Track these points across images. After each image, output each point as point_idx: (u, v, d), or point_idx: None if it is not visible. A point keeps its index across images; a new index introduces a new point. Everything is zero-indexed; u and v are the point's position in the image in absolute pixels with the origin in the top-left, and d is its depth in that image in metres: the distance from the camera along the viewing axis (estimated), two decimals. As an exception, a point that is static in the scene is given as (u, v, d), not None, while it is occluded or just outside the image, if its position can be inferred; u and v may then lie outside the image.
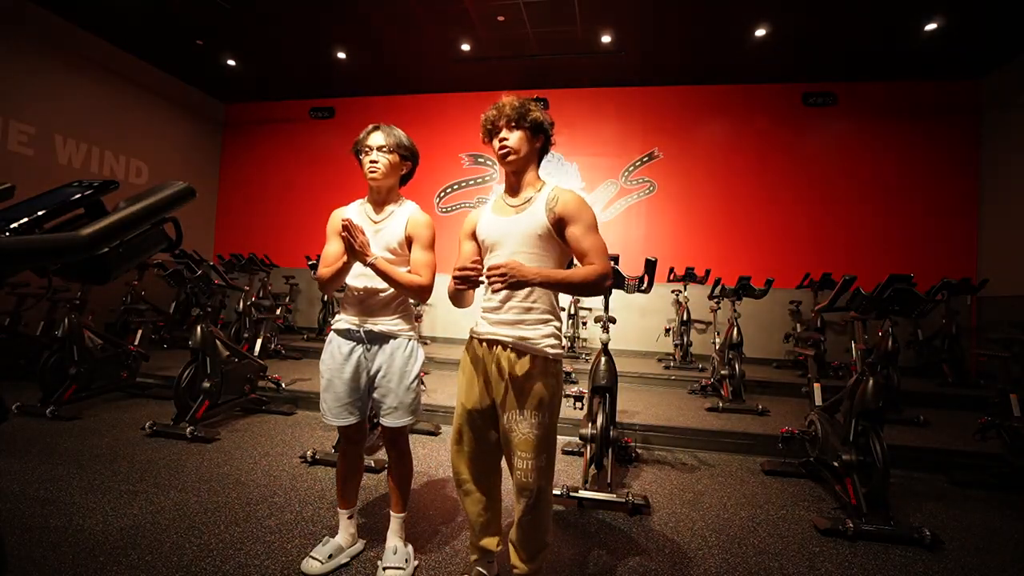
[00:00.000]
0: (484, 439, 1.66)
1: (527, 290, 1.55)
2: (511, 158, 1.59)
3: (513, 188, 1.65)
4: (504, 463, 1.68)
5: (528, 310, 1.57)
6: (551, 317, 1.59)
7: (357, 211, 1.88)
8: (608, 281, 1.50)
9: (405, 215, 1.83)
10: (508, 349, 1.56)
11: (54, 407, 3.51)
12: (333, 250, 1.82)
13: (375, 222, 1.83)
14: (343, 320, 1.85)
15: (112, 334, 4.75)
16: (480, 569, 1.74)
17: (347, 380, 1.82)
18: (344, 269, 1.76)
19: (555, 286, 1.49)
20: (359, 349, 1.82)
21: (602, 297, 2.90)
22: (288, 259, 7.37)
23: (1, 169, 5.07)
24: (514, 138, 1.57)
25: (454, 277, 1.49)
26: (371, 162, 1.77)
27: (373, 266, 1.69)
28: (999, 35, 5.21)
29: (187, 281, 3.75)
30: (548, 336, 1.56)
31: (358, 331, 1.81)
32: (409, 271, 1.81)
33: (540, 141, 1.63)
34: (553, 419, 1.57)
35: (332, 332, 1.87)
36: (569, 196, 1.56)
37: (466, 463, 1.68)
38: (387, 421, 1.83)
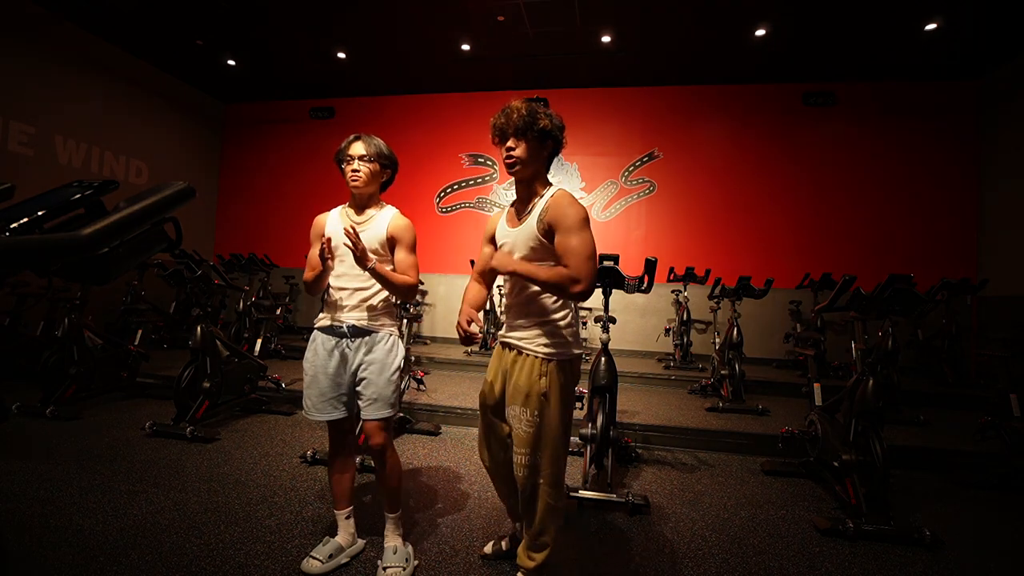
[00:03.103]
0: (495, 431, 1.82)
1: (524, 297, 1.70)
2: (517, 168, 1.63)
3: (522, 198, 1.71)
4: None
5: (526, 315, 1.70)
6: (544, 320, 1.66)
7: (339, 215, 1.95)
8: (576, 286, 1.49)
9: (387, 218, 1.91)
10: (512, 351, 1.72)
11: (54, 407, 3.51)
12: (317, 254, 1.87)
13: (357, 224, 1.90)
14: (326, 318, 1.90)
15: (112, 334, 4.74)
16: (503, 543, 2.00)
17: (331, 375, 1.86)
18: (324, 274, 1.85)
19: (525, 278, 1.59)
20: (343, 344, 1.86)
21: (602, 297, 2.91)
22: (288, 259, 7.37)
23: (1, 169, 5.06)
24: (520, 149, 1.60)
25: (458, 332, 1.69)
26: (352, 171, 1.84)
27: (372, 270, 1.76)
28: (998, 35, 5.21)
29: (187, 281, 3.76)
30: (540, 337, 1.65)
31: (341, 327, 1.86)
32: (393, 270, 1.88)
33: (548, 148, 1.65)
34: (549, 419, 1.63)
35: (316, 331, 1.92)
36: (557, 205, 1.57)
37: (485, 451, 1.86)
38: (366, 413, 1.86)
